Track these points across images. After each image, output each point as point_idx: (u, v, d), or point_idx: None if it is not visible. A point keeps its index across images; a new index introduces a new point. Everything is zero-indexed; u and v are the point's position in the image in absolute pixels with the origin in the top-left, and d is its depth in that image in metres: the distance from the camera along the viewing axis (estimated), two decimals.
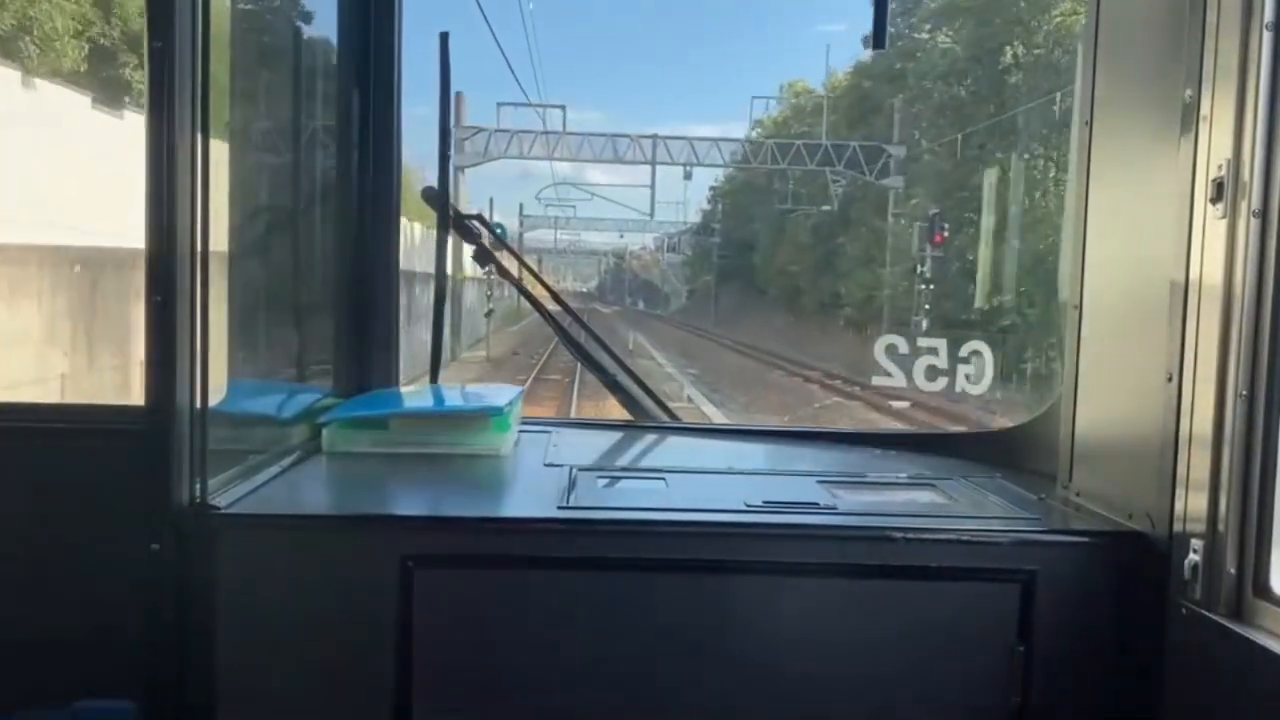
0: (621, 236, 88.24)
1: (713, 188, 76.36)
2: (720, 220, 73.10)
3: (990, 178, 26.72)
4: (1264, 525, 1.91)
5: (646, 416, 3.39)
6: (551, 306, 3.61)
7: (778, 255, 53.04)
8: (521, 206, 73.36)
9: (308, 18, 3.19)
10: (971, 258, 28.02)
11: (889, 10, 2.82)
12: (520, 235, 67.36)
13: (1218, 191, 1.92)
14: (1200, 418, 1.97)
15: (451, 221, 3.29)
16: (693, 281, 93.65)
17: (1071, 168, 2.56)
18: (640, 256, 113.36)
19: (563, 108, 41.41)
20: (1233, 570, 1.93)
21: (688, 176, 42.78)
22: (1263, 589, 1.91)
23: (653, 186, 47.07)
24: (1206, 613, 1.95)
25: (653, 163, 40.04)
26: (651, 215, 53.68)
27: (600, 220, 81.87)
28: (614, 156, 39.60)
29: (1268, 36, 1.85)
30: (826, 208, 43.30)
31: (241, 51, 2.60)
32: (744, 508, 2.30)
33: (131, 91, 19.06)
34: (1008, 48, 31.39)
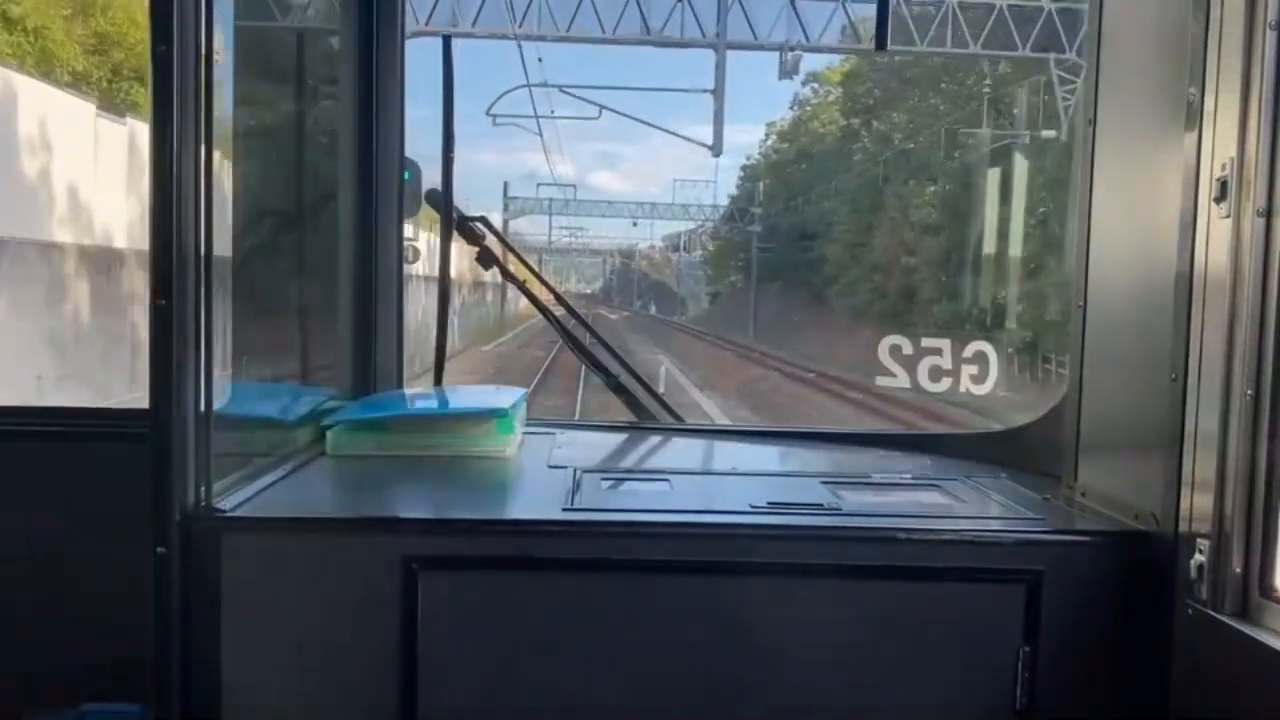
0: (635, 225, 72.74)
1: (746, 167, 63.87)
2: (761, 203, 54.95)
3: None
4: (1270, 525, 1.90)
5: (650, 418, 3.39)
6: (550, 311, 3.61)
7: (875, 243, 36.13)
8: (506, 186, 62.18)
9: (311, 19, 3.20)
10: None
11: (890, 10, 2.82)
12: (505, 224, 53.68)
13: (1222, 190, 1.92)
14: (1205, 417, 1.96)
15: (455, 225, 3.29)
16: (715, 282, 79.51)
17: (1075, 166, 2.56)
18: (649, 256, 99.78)
19: None
20: (1239, 570, 1.92)
21: (788, 73, 22.95)
22: (1269, 589, 1.90)
23: (719, 91, 22.75)
24: (1213, 613, 1.95)
25: (720, 45, 20.98)
26: (718, 150, 26.94)
27: (608, 205, 64.98)
28: (642, 32, 21.09)
29: (1271, 35, 1.84)
30: (1050, 134, 24.60)
31: (245, 54, 2.60)
32: (749, 509, 2.30)
33: None
34: None
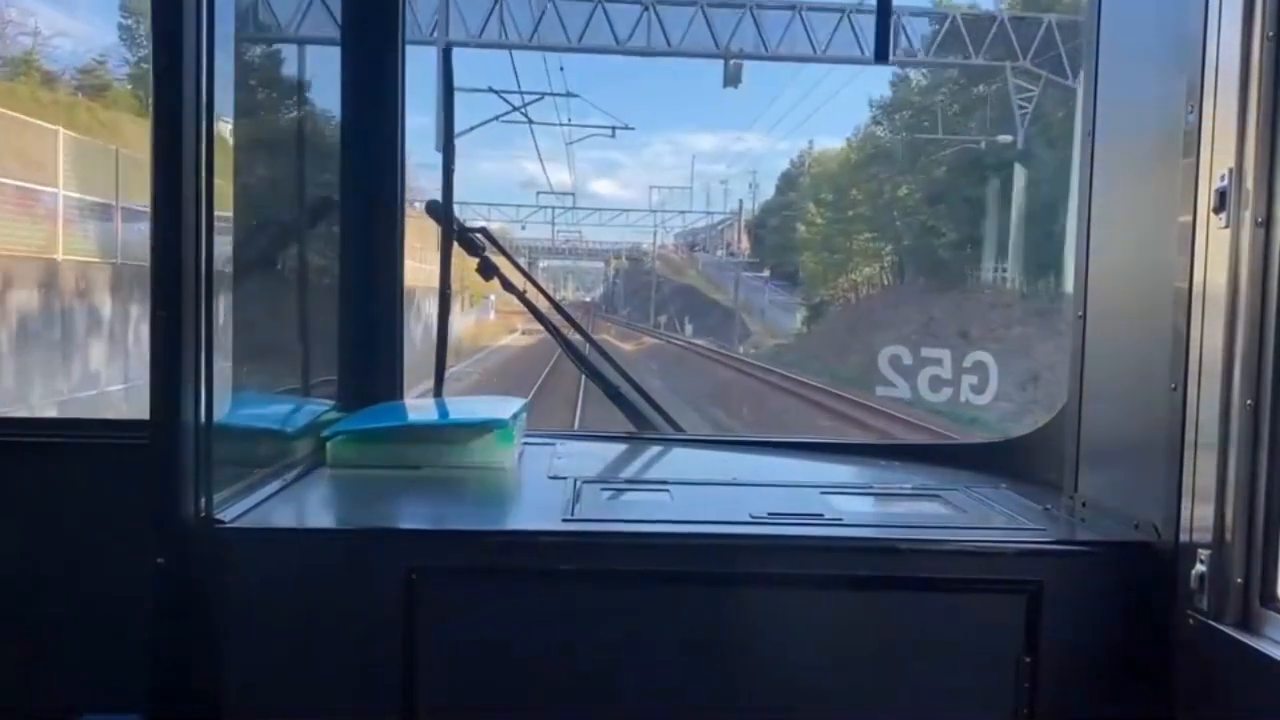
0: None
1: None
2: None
3: None
4: (1270, 534, 1.90)
5: (650, 428, 3.39)
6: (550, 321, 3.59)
7: None
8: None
9: (311, 29, 3.21)
10: None
11: (891, 21, 2.82)
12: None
13: (1221, 201, 1.92)
14: (1205, 427, 1.97)
15: (456, 235, 3.30)
16: (821, 285, 44.53)
17: (1075, 177, 2.56)
18: (665, 255, 74.63)
19: None
20: (1240, 580, 1.92)
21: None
22: (1270, 598, 1.90)
23: None
24: (1214, 623, 1.95)
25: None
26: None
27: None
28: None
29: (1269, 45, 1.85)
30: None
31: (246, 66, 2.61)
32: (748, 519, 2.30)
33: None
34: None
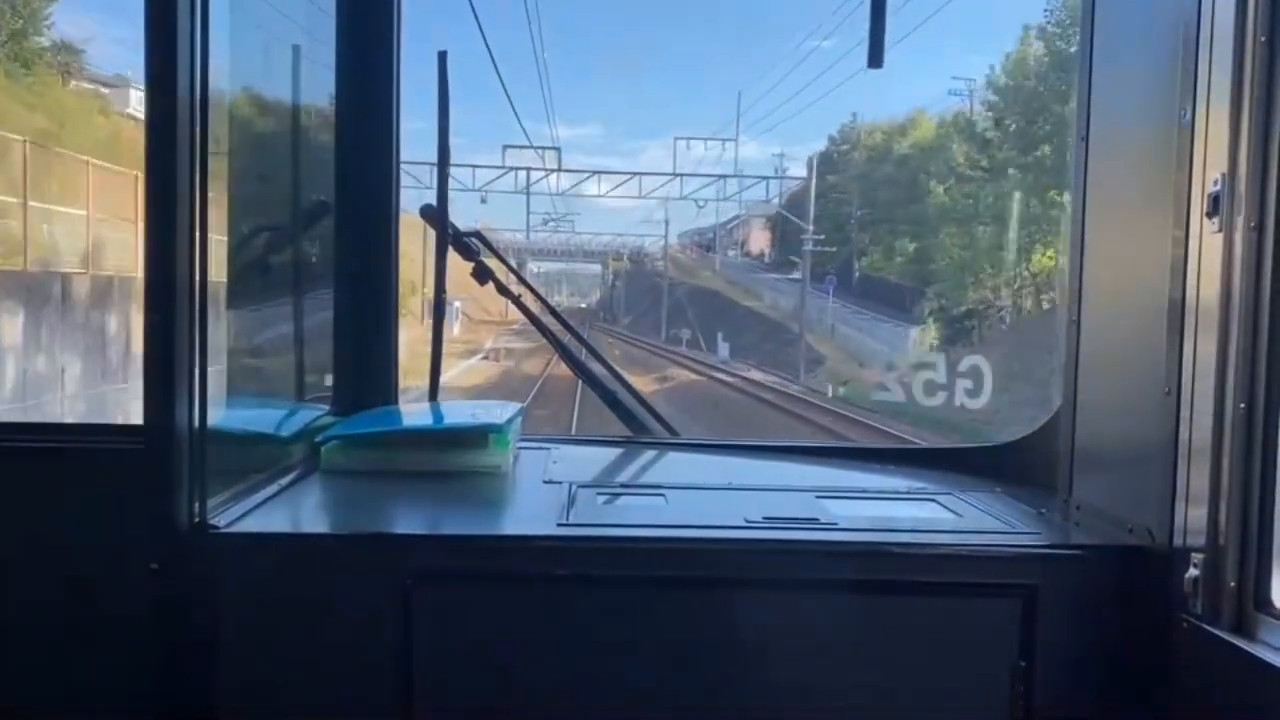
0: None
1: None
2: None
3: None
4: (1264, 538, 1.91)
5: (645, 432, 3.39)
6: (545, 324, 3.60)
7: None
8: None
9: (306, 32, 3.20)
10: None
11: (886, 25, 2.83)
12: None
13: (1214, 205, 1.92)
14: (1199, 431, 1.97)
15: (450, 240, 3.30)
16: (973, 283, 28.66)
17: (1069, 181, 2.57)
18: (678, 258, 63.17)
19: None
20: (1233, 584, 1.93)
21: None
22: (1264, 602, 1.90)
23: None
24: (1208, 627, 1.95)
25: None
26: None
27: None
28: None
29: (1262, 50, 1.86)
30: None
31: (239, 69, 2.61)
32: (744, 524, 2.30)
33: None
34: None
